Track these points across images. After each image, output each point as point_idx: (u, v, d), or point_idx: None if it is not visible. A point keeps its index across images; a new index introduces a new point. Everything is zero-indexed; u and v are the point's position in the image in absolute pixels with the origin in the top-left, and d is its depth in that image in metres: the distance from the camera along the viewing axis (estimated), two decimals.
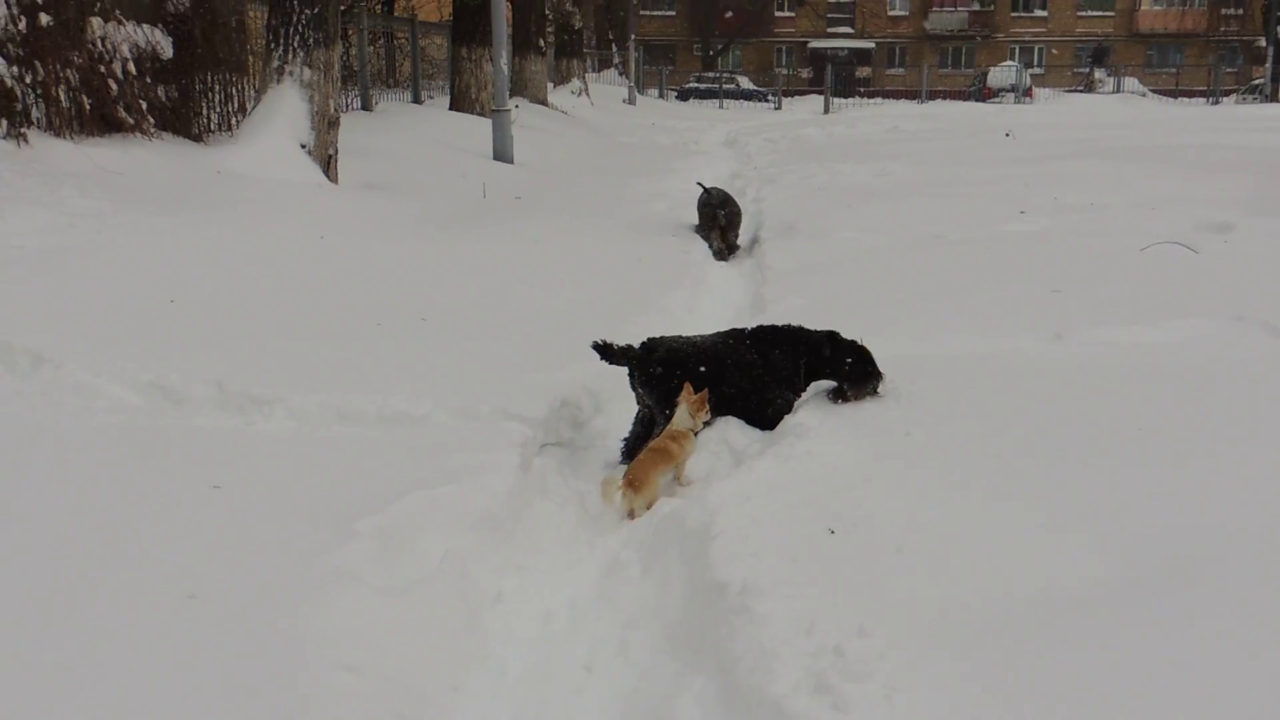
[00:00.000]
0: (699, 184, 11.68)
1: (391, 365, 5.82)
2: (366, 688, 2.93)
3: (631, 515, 4.59)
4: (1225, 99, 42.60)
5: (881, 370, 5.29)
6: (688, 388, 4.93)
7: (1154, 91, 46.54)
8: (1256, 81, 44.67)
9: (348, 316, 6.77)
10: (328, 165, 11.82)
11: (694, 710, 3.07)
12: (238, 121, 12.09)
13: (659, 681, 3.38)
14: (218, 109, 12.17)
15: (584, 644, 3.71)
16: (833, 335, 5.43)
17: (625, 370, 5.29)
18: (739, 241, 11.12)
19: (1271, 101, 39.41)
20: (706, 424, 5.03)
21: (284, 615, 3.19)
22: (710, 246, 10.83)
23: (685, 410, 4.86)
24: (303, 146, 11.63)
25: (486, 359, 6.06)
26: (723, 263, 10.53)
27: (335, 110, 12.16)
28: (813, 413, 5.10)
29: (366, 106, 17.84)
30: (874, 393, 5.25)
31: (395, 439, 4.83)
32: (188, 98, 11.62)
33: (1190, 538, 3.51)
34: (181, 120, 11.44)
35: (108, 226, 7.87)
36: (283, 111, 11.75)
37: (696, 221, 11.41)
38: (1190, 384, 5.07)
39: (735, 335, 5.47)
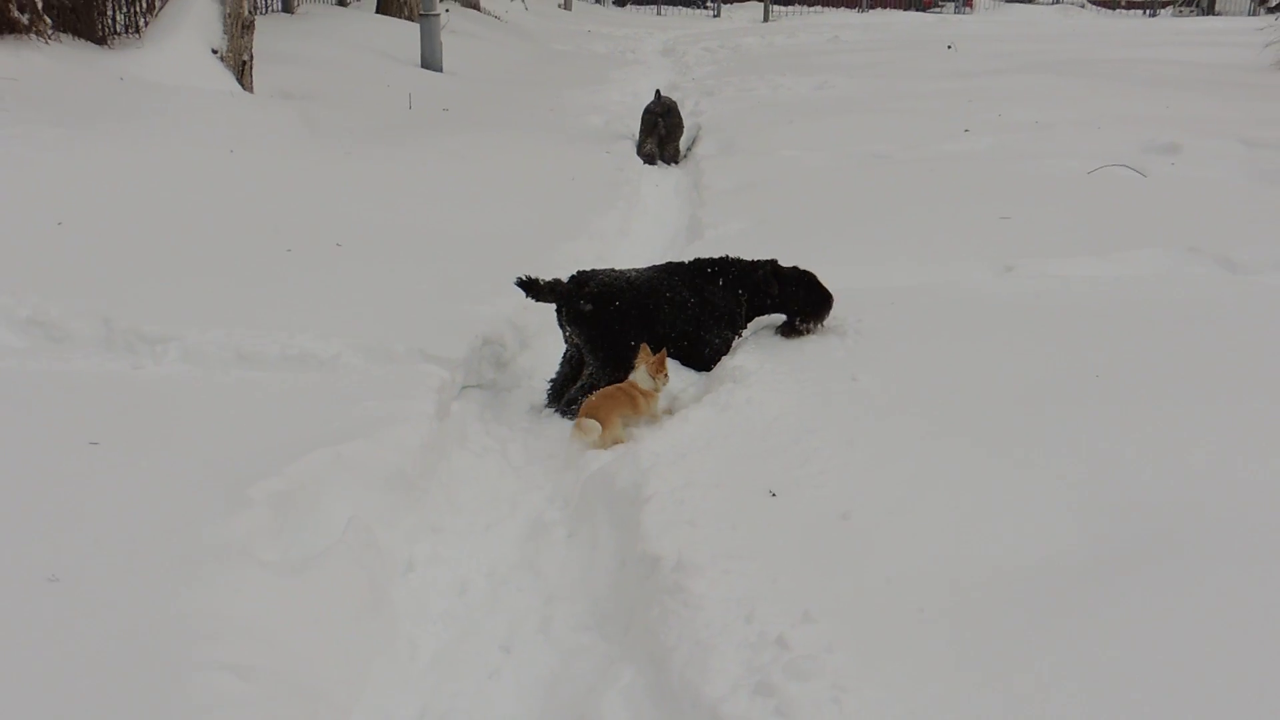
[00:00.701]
0: (657, 90, 11.60)
1: (300, 298, 5.37)
2: (251, 692, 2.57)
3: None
4: (1162, 11, 42.40)
5: (830, 293, 5.00)
6: (645, 349, 4.58)
7: (1092, 2, 46.18)
8: None
9: (255, 242, 6.27)
10: (241, 72, 11.12)
11: (621, 709, 2.76)
12: (146, 23, 11.27)
13: (584, 668, 3.07)
14: (124, 9, 11.29)
15: (503, 619, 3.39)
16: (775, 266, 5.11)
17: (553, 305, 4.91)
18: (678, 155, 10.99)
19: (1208, 14, 39.27)
20: (715, 360, 4.81)
21: (159, 603, 2.81)
22: (639, 150, 10.77)
23: (644, 371, 4.52)
24: (214, 51, 10.92)
25: (404, 291, 5.63)
26: (650, 166, 10.48)
27: (250, 12, 11.41)
28: (752, 354, 4.78)
29: (287, 8, 16.92)
30: (821, 324, 4.96)
31: (299, 384, 4.42)
32: None
33: (1165, 502, 3.25)
34: (83, 21, 10.60)
35: None
36: (192, 13, 11.02)
37: (634, 133, 11.31)
38: (1146, 325, 4.82)
39: (671, 269, 5.10)
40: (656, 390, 4.53)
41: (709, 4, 41.92)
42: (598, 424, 4.29)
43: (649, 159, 10.73)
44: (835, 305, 5.01)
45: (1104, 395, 4.07)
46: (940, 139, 10.06)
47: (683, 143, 11.32)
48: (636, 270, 5.06)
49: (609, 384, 4.75)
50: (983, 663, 2.63)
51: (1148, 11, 41.57)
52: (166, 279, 5.45)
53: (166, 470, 3.57)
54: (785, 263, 5.19)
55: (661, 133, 10.82)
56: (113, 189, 6.86)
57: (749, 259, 5.19)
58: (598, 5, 39.60)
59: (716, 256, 5.21)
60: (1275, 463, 3.49)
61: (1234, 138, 9.48)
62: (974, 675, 2.58)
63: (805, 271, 5.12)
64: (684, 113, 11.89)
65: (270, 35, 12.82)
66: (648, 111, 10.99)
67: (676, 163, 10.89)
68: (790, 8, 41.17)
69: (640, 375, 4.52)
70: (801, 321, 5.01)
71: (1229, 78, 13.97)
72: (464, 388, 4.86)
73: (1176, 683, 2.49)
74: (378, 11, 19.16)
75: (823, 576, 3.04)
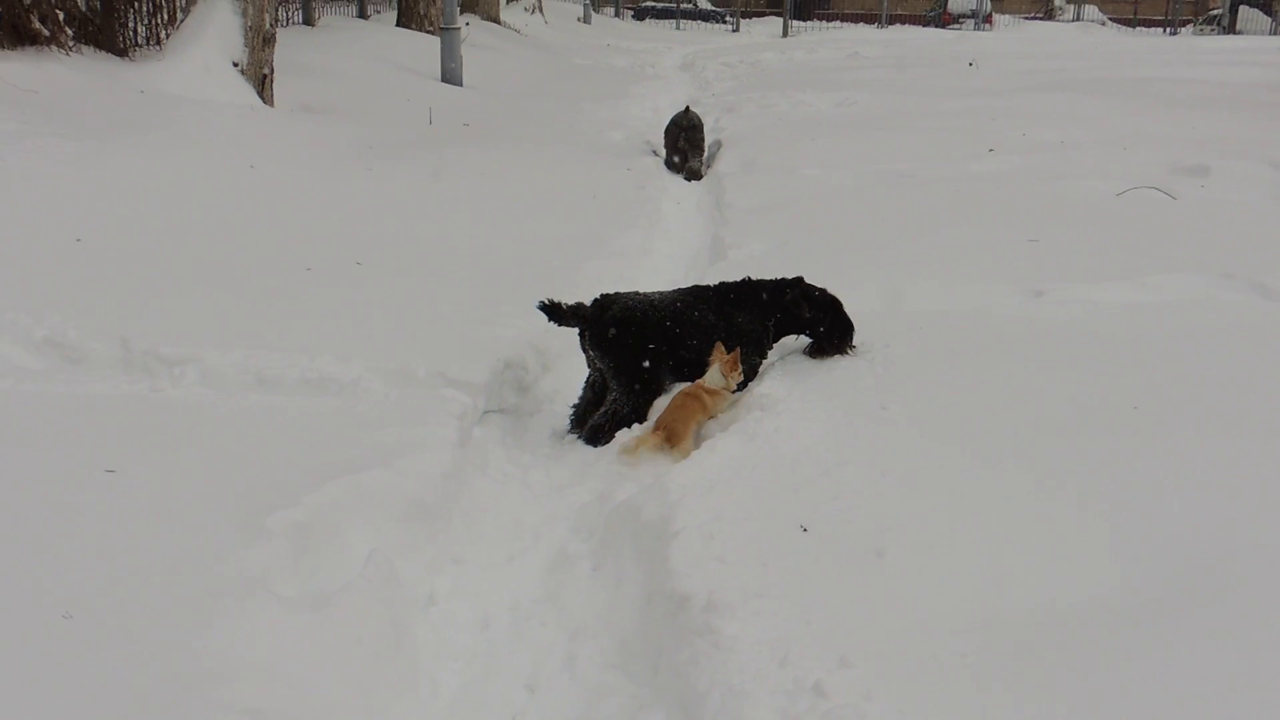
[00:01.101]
0: (687, 106, 11.85)
1: (320, 318, 5.30)
2: None
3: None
4: (1183, 29, 42.23)
5: (852, 321, 4.95)
6: (719, 347, 4.63)
7: (1112, 20, 46.05)
8: (1214, 12, 44.20)
9: (275, 260, 6.21)
10: (262, 85, 11.07)
11: None
12: (168, 35, 11.24)
13: (611, 709, 2.98)
14: (145, 21, 11.25)
15: (526, 656, 3.31)
16: (800, 286, 5.01)
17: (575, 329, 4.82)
18: (702, 169, 10.97)
19: (1229, 33, 39.08)
20: (742, 385, 4.73)
21: (174, 641, 2.73)
22: (666, 162, 11.19)
23: (718, 370, 4.57)
24: (235, 64, 10.87)
25: (426, 310, 5.56)
26: (674, 183, 10.51)
27: (271, 25, 11.38)
28: (779, 380, 4.69)
29: (308, 21, 16.92)
30: (851, 346, 4.90)
31: (319, 409, 4.34)
32: (112, 8, 10.75)
33: (1210, 541, 3.15)
34: (104, 33, 10.58)
35: (12, 152, 7.17)
36: (213, 25, 10.97)
37: (654, 147, 11.68)
38: (1183, 353, 4.70)
39: (696, 293, 5.01)
40: (729, 389, 4.56)
41: (728, 18, 41.92)
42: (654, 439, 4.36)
43: (674, 169, 11.00)
44: (860, 338, 4.94)
45: (1142, 426, 3.96)
46: (965, 158, 9.95)
47: (705, 159, 11.29)
48: (661, 293, 4.98)
49: (632, 410, 4.67)
50: (1025, 708, 2.54)
51: (1168, 30, 41.40)
52: (185, 298, 5.39)
53: (183, 499, 3.50)
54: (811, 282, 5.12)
55: (682, 146, 10.98)
56: (132, 204, 6.81)
57: (773, 279, 5.09)
58: (616, 19, 39.64)
59: (739, 279, 5.12)
60: None
61: (1263, 160, 9.36)
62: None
63: (832, 296, 5.03)
64: (706, 128, 11.85)
65: (291, 48, 12.79)
66: (671, 124, 11.20)
67: (699, 178, 10.81)
68: (809, 23, 41.14)
69: (713, 374, 4.57)
70: (828, 344, 4.92)
71: (1254, 97, 13.83)
72: (485, 412, 4.78)
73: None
74: (398, 24, 19.15)
75: (858, 617, 2.95)
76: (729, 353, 4.60)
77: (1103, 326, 5.14)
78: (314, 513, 3.43)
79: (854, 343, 4.94)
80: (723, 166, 10.41)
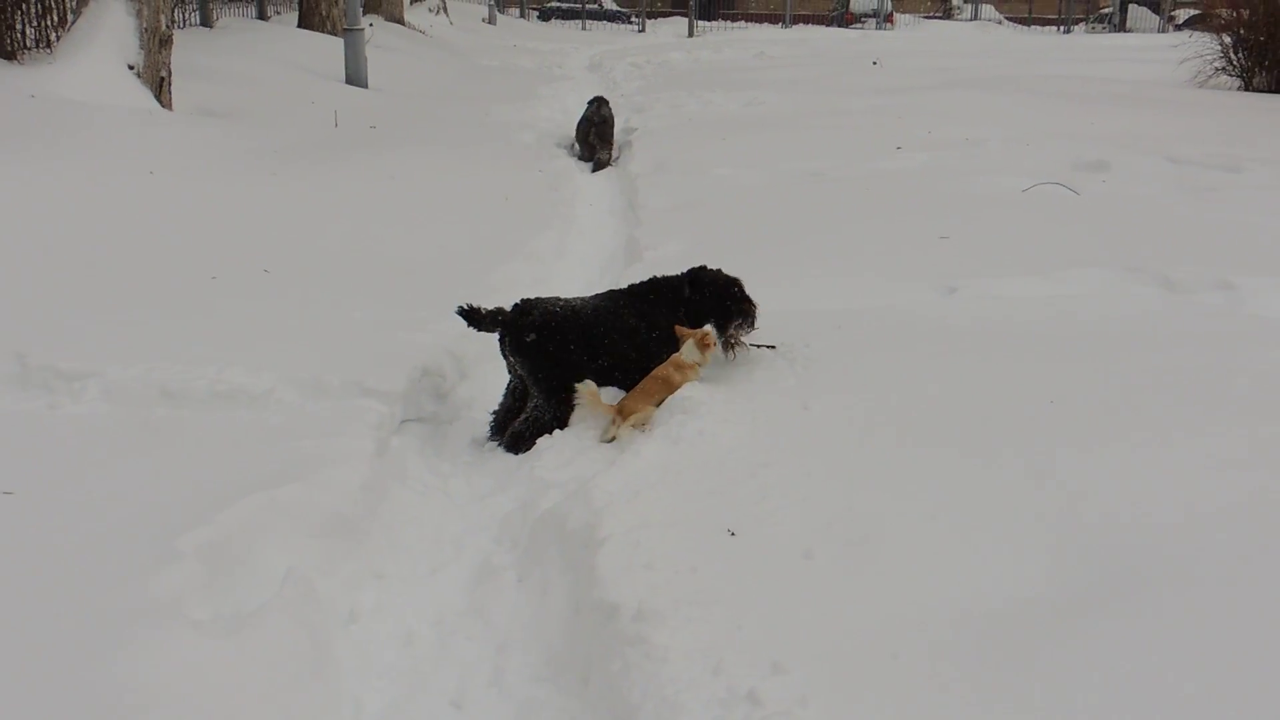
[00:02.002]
0: (597, 97, 12.26)
1: (228, 329, 5.14)
2: None
3: (613, 439, 4.40)
4: (1076, 27, 43.34)
5: (753, 301, 4.98)
6: (680, 329, 4.71)
7: (1008, 19, 47.09)
8: (1105, 11, 45.46)
9: (179, 269, 6.02)
10: (159, 89, 10.78)
11: None
12: (58, 37, 10.85)
13: None
14: (34, 23, 10.85)
15: (452, 672, 3.22)
16: (694, 272, 5.02)
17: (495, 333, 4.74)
18: (610, 159, 11.63)
19: (1120, 31, 40.23)
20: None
21: (81, 672, 2.60)
22: (579, 155, 11.87)
23: (693, 344, 4.62)
24: (130, 67, 10.56)
25: (338, 318, 5.43)
26: (587, 182, 10.87)
27: (168, 26, 11.08)
28: (701, 383, 4.65)
29: (206, 22, 16.51)
30: (752, 324, 4.95)
31: (230, 422, 4.20)
32: None
33: (1128, 537, 3.19)
34: None
35: None
36: (107, 27, 10.64)
37: (565, 144, 12.35)
38: (1097, 348, 4.78)
39: (614, 296, 4.96)
40: (704, 363, 4.63)
41: (633, 19, 41.96)
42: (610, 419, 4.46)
43: (584, 159, 11.64)
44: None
45: (1061, 421, 4.01)
46: (874, 156, 10.06)
47: (613, 151, 11.70)
48: (581, 298, 4.92)
49: (554, 417, 4.60)
50: (962, 705, 2.54)
51: (1062, 28, 42.45)
52: (85, 310, 5.19)
53: (88, 521, 3.35)
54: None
55: (592, 141, 11.58)
56: (24, 214, 6.56)
57: (677, 274, 5.07)
58: (521, 20, 39.42)
59: (658, 277, 5.08)
60: (1232, 486, 3.46)
61: (1160, 155, 9.63)
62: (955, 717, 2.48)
63: (729, 277, 5.02)
64: (616, 128, 12.16)
65: (189, 50, 12.45)
66: (583, 118, 11.85)
67: (605, 167, 11.40)
68: (714, 23, 41.40)
69: (688, 349, 4.62)
70: (732, 324, 4.93)
71: (1149, 94, 14.24)
72: (403, 421, 4.67)
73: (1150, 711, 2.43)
74: (299, 26, 18.78)
75: (789, 622, 2.93)
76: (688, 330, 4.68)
77: (1015, 321, 5.22)
78: (227, 531, 3.31)
79: (756, 324, 4.95)
80: (635, 167, 10.38)
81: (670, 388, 4.51)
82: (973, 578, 3.08)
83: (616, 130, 12.10)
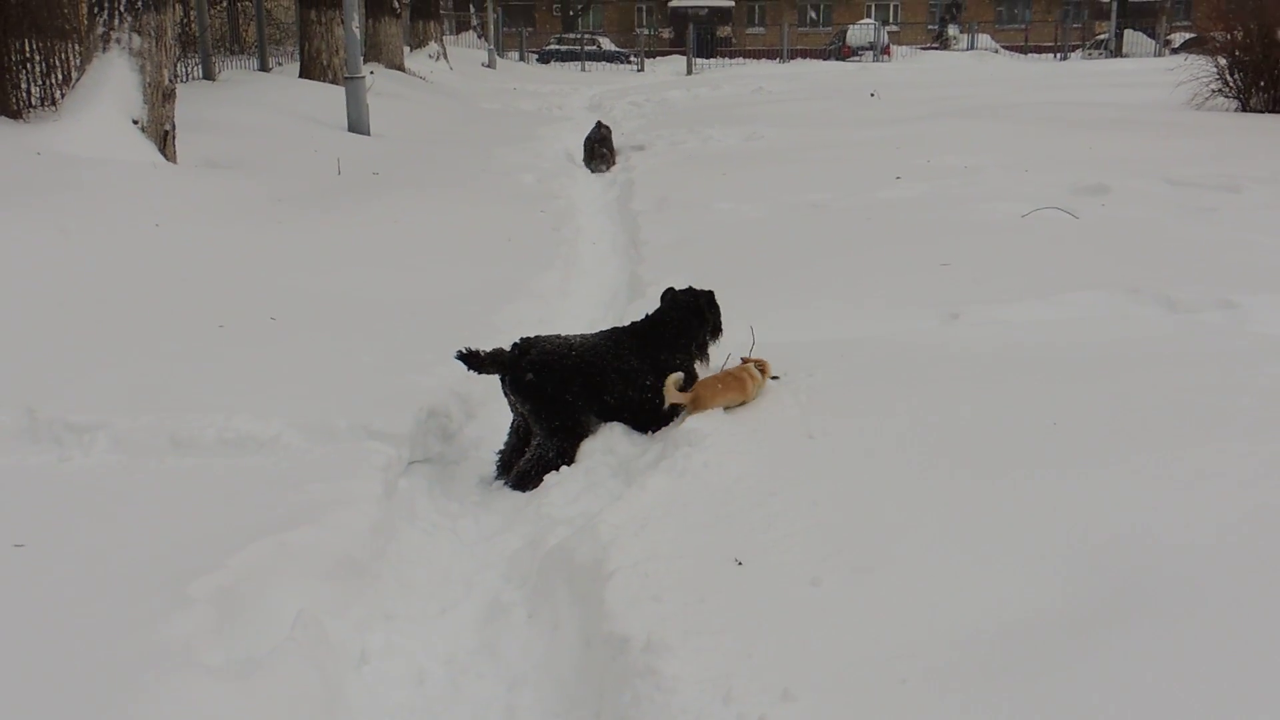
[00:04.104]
0: (598, 121, 15.22)
1: (235, 376, 5.18)
2: None
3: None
4: (1072, 54, 43.63)
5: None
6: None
7: (1005, 48, 47.43)
8: (1101, 36, 45.78)
9: (185, 319, 6.07)
10: (164, 142, 10.87)
11: None
12: (63, 95, 10.99)
13: None
14: (39, 81, 10.99)
15: (465, 710, 3.23)
16: (685, 297, 5.13)
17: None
18: (611, 163, 14.10)
19: (1116, 56, 40.47)
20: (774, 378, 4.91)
21: (95, 716, 2.62)
22: (588, 166, 14.30)
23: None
24: (134, 122, 10.66)
25: (344, 362, 5.46)
26: (593, 173, 13.87)
27: (171, 80, 11.19)
28: (704, 414, 4.67)
29: (209, 75, 16.68)
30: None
31: (239, 469, 4.23)
32: (3, 68, 10.47)
33: (1136, 556, 3.19)
34: None
35: None
36: (110, 83, 10.74)
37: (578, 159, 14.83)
38: (1098, 368, 4.80)
39: (615, 334, 5.00)
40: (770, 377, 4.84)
41: (632, 58, 42.34)
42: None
43: (592, 169, 14.07)
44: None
45: (1066, 442, 4.02)
46: (874, 186, 10.13)
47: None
48: (582, 336, 4.95)
49: (557, 454, 4.63)
50: None
51: (1058, 55, 42.73)
52: (93, 363, 5.24)
53: (99, 571, 3.37)
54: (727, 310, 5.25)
55: (599, 154, 14.11)
56: (32, 269, 6.62)
57: (674, 308, 5.11)
58: (521, 63, 39.78)
59: (654, 313, 5.11)
60: (1237, 503, 3.46)
61: (1158, 177, 9.69)
62: None
63: (709, 293, 5.15)
64: (615, 170, 13.22)
65: (192, 103, 12.59)
66: (588, 139, 14.49)
67: (609, 169, 13.87)
68: (712, 60, 41.74)
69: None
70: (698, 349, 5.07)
71: (1145, 117, 14.32)
72: (410, 463, 4.69)
73: None
74: (301, 76, 18.98)
75: (798, 648, 2.93)
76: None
77: (1015, 344, 5.23)
78: (238, 576, 3.33)
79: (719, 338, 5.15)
80: (636, 204, 10.45)
81: (741, 391, 4.66)
82: (981, 600, 3.08)
83: (615, 171, 13.16)
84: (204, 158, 11.30)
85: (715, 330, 5.13)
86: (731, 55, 46.20)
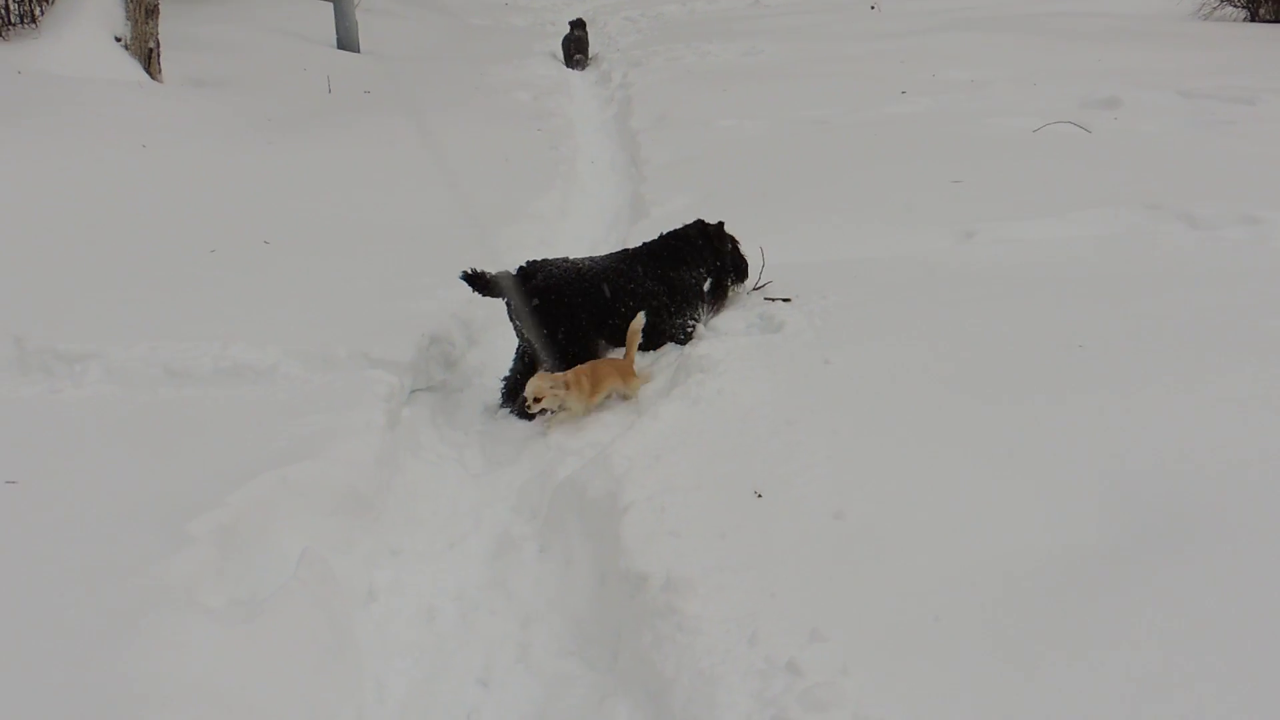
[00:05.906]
0: (575, 20, 16.52)
1: (230, 303, 5.02)
2: None
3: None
4: None
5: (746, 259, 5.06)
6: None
7: None
8: None
9: (177, 244, 5.89)
10: (149, 60, 10.57)
11: None
12: (43, 12, 10.65)
13: (572, 701, 2.82)
14: None
15: (477, 649, 3.13)
16: (702, 225, 4.97)
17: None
18: (586, 62, 15.50)
19: None
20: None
21: (93, 664, 2.50)
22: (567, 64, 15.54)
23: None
24: (118, 39, 10.36)
25: (341, 288, 5.30)
26: (569, 70, 15.01)
27: None
28: (717, 340, 4.53)
29: None
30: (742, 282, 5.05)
31: (237, 399, 4.09)
32: None
33: (1173, 484, 3.07)
34: None
35: None
36: (91, 0, 10.44)
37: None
38: (1121, 288, 4.65)
39: (625, 256, 4.83)
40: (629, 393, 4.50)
41: None
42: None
43: (570, 65, 15.44)
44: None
45: (1091, 365, 3.88)
46: (878, 102, 9.85)
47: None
48: (591, 258, 4.78)
49: None
50: (1013, 664, 2.45)
51: None
52: (82, 289, 5.07)
53: (95, 508, 3.24)
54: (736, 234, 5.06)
55: (575, 55, 15.40)
56: (17, 193, 6.42)
57: (680, 228, 4.95)
58: None
59: (668, 233, 4.95)
60: (1267, 428, 3.34)
61: (1170, 89, 9.42)
62: (1006, 679, 2.39)
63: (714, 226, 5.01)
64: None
65: (177, 20, 12.21)
66: (565, 38, 15.90)
67: (584, 67, 15.09)
68: None
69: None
70: (733, 281, 4.97)
71: (1154, 28, 13.96)
72: (413, 391, 4.55)
73: (1213, 662, 2.35)
74: None
75: (825, 586, 2.82)
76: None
77: (1037, 264, 5.08)
78: (239, 513, 3.20)
79: (747, 283, 5.02)
80: (635, 122, 10.18)
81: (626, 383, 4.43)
82: (1015, 531, 2.97)
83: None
84: (190, 76, 10.99)
85: (740, 273, 4.97)
86: None
